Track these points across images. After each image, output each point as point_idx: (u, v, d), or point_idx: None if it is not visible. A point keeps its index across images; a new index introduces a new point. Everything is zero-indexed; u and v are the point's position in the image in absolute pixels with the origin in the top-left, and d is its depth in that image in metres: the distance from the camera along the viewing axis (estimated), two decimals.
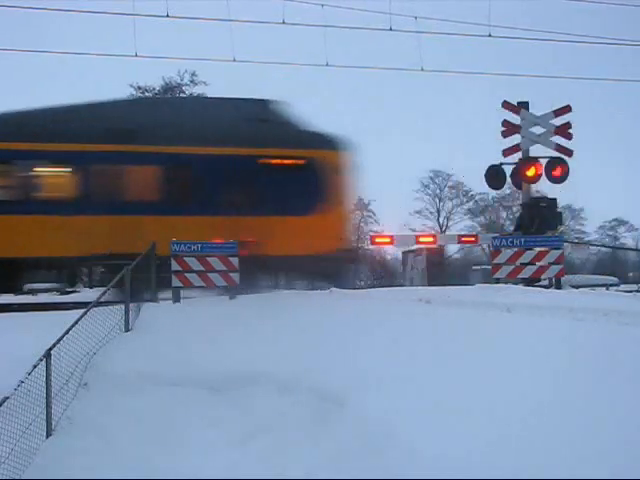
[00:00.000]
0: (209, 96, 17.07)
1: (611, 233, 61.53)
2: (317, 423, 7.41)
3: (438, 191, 58.84)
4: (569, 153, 19.11)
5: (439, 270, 26.33)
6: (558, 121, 19.19)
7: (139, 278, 11.78)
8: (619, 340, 9.20)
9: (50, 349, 7.62)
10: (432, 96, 65.15)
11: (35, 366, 7.25)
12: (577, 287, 18.27)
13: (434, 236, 26.99)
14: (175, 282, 13.48)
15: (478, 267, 34.11)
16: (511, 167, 19.49)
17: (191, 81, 41.17)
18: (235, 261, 13.65)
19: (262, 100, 16.98)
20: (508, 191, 43.94)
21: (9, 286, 15.03)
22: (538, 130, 19.34)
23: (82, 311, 9.15)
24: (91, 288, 15.67)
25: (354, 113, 76.57)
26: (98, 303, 9.74)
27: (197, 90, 41.49)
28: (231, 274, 13.71)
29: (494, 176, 19.51)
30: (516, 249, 15.94)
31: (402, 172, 66.60)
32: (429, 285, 21.09)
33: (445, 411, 6.87)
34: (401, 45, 25.79)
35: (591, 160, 39.96)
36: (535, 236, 17.10)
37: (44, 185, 15.63)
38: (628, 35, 38.62)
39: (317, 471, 6.54)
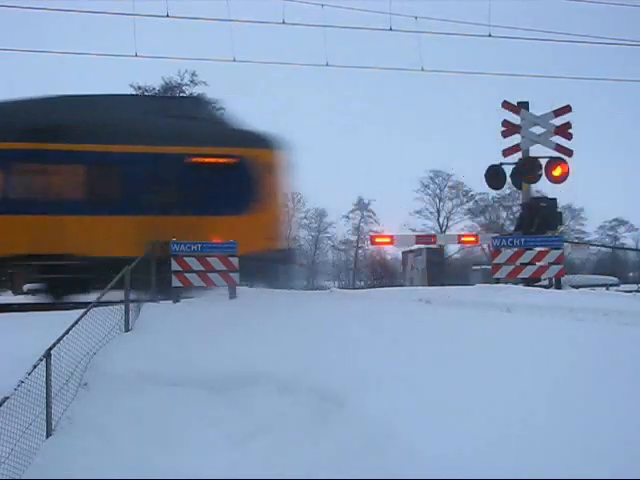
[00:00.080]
0: (140, 94, 16.45)
1: (611, 233, 61.61)
2: (317, 423, 7.41)
3: (438, 191, 58.98)
4: (569, 153, 19.11)
5: (439, 270, 26.38)
6: (558, 121, 19.18)
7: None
8: (619, 340, 9.20)
9: (50, 349, 7.61)
10: (432, 96, 65.36)
11: (35, 366, 7.24)
12: (577, 287, 18.29)
13: (476, 235, 27.10)
14: (175, 282, 13.49)
15: (478, 267, 34.16)
16: (511, 167, 19.49)
17: (191, 81, 41.25)
18: (235, 261, 13.66)
19: (193, 98, 16.55)
20: (508, 191, 43.98)
21: None
22: (538, 130, 19.34)
23: (82, 311, 9.16)
24: (15, 293, 15.35)
25: (353, 113, 76.87)
26: (98, 303, 9.74)
27: (197, 90, 41.56)
28: (231, 274, 13.73)
29: (494, 176, 19.50)
30: (516, 249, 15.93)
31: (402, 172, 66.75)
32: (429, 285, 21.15)
33: (445, 411, 6.88)
34: (401, 45, 25.81)
35: (591, 160, 39.94)
36: (535, 236, 17.10)
37: None
38: (628, 35, 38.57)
39: (317, 471, 6.54)
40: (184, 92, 41.64)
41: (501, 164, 19.44)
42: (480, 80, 27.82)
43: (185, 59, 31.53)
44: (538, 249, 16.15)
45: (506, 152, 19.37)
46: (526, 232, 18.19)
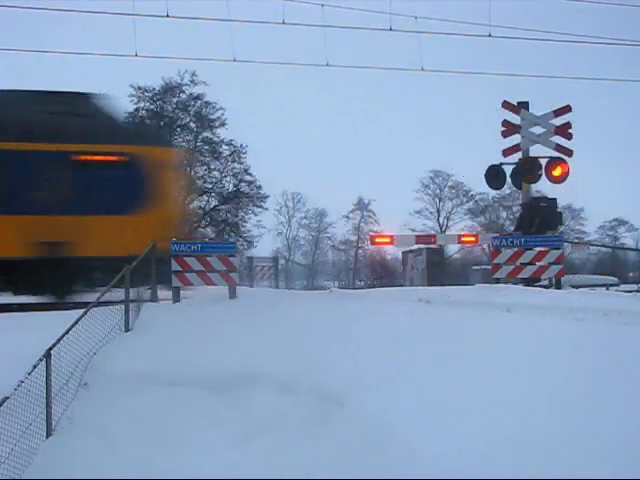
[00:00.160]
0: (23, 89, 15.71)
1: (611, 233, 61.58)
2: (317, 423, 7.41)
3: (438, 191, 58.92)
4: (569, 153, 19.13)
5: (439, 270, 26.36)
6: (558, 121, 19.20)
7: None
8: (619, 340, 9.21)
9: (50, 349, 7.61)
10: (432, 96, 65.22)
11: (35, 366, 7.24)
12: (577, 287, 18.31)
13: (476, 235, 27.08)
14: (175, 282, 13.50)
15: (478, 267, 34.12)
16: (511, 167, 19.50)
17: (191, 81, 41.18)
18: (235, 261, 13.66)
19: (81, 94, 15.63)
20: (508, 191, 43.97)
21: None
22: (538, 130, 19.36)
23: (82, 311, 9.15)
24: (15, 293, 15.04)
25: (353, 113, 76.86)
26: (98, 303, 9.74)
27: (197, 90, 41.58)
28: (231, 274, 13.74)
29: (494, 176, 19.52)
30: (516, 249, 15.95)
31: (402, 172, 66.69)
32: (429, 285, 21.13)
33: (445, 411, 6.88)
34: (401, 45, 25.82)
35: (591, 160, 39.93)
36: (535, 236, 17.11)
37: None
38: (628, 35, 38.58)
39: (317, 471, 6.54)
40: (184, 92, 41.68)
41: (501, 164, 19.45)
42: (480, 80, 27.90)
43: (185, 59, 31.51)
44: (538, 249, 16.17)
45: (506, 152, 19.39)
46: (526, 232, 18.22)
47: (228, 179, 43.30)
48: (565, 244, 19.92)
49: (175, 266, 13.46)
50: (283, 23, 17.80)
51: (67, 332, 8.28)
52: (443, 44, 26.78)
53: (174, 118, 42.24)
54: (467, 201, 58.11)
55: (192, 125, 42.58)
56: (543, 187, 21.34)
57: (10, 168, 14.49)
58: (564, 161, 19.01)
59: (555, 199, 19.57)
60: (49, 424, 7.46)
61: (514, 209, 49.00)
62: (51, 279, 14.00)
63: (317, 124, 77.18)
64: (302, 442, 7.14)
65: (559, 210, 20.17)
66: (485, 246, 38.20)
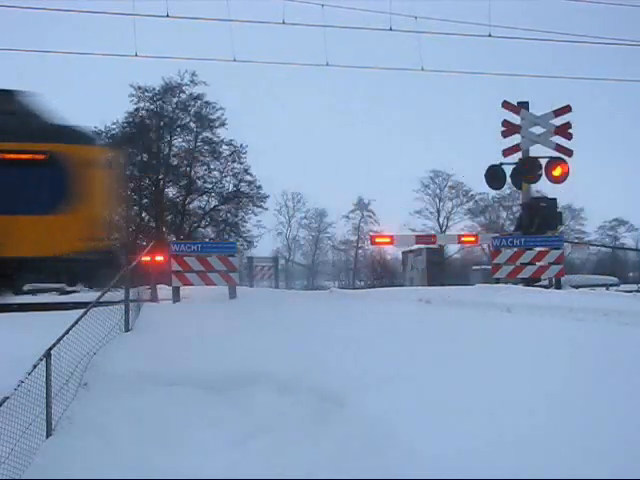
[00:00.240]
0: None
1: (611, 233, 61.59)
2: (317, 423, 7.40)
3: (438, 191, 58.94)
4: (569, 153, 19.13)
5: (439, 270, 26.37)
6: (558, 121, 19.20)
7: None
8: (619, 340, 9.21)
9: (50, 349, 7.60)
10: (432, 96, 65.24)
11: (35, 366, 7.23)
12: (577, 287, 18.32)
13: (476, 235, 27.08)
14: (175, 282, 13.52)
15: (478, 267, 34.15)
16: (511, 167, 19.50)
17: (191, 81, 41.20)
18: (235, 261, 13.68)
19: (2, 91, 15.18)
20: (508, 191, 43.99)
21: None
22: (538, 130, 19.36)
23: (82, 311, 9.15)
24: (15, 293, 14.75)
25: (353, 113, 76.85)
26: (98, 303, 9.74)
27: (197, 90, 41.57)
28: (231, 274, 13.75)
29: (494, 176, 19.54)
30: (516, 249, 15.96)
31: (402, 172, 66.69)
32: (429, 285, 21.14)
33: (445, 411, 6.87)
34: (401, 45, 25.84)
35: (591, 160, 39.96)
36: (535, 236, 17.12)
37: None
38: (628, 35, 38.55)
39: (317, 471, 6.54)
40: (184, 92, 41.67)
41: (501, 164, 19.46)
42: (480, 80, 27.94)
43: (185, 59, 31.50)
44: (538, 249, 16.19)
45: (506, 152, 19.40)
46: (526, 232, 18.23)
47: (228, 179, 43.34)
48: (565, 244, 19.94)
49: (175, 266, 13.47)
50: (283, 23, 17.82)
51: (67, 332, 8.28)
52: (443, 44, 26.84)
53: (174, 118, 42.26)
54: (467, 201, 58.15)
55: (192, 125, 42.59)
56: (543, 187, 21.38)
57: None
58: (564, 161, 19.02)
59: (555, 199, 19.58)
60: (49, 424, 7.46)
61: (514, 209, 49.04)
62: None
63: (317, 124, 77.21)
64: (302, 442, 7.14)
65: (559, 210, 20.19)
66: (485, 246, 38.22)
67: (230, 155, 42.75)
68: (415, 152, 74.20)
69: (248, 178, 42.98)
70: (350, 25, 20.78)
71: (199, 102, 41.78)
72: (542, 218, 18.66)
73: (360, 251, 61.59)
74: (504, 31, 19.37)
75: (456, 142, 69.08)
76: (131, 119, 41.66)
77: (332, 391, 7.76)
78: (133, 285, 11.26)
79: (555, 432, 6.23)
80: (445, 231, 55.59)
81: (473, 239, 26.13)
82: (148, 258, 14.64)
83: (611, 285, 25.84)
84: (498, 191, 37.62)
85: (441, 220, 58.73)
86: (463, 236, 26.82)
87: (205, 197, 43.44)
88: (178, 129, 42.59)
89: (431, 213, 58.98)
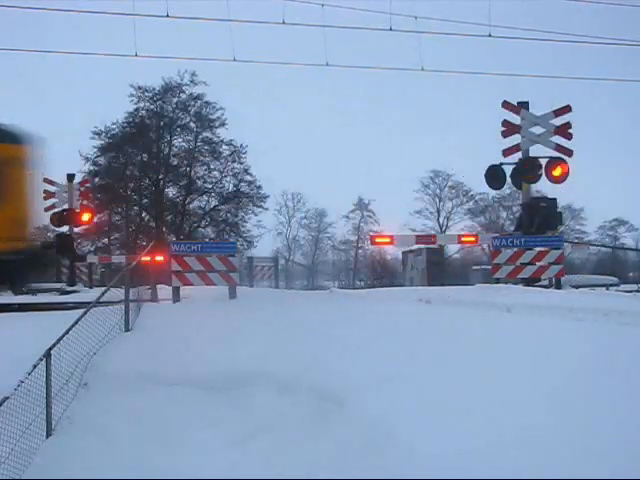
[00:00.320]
0: None
1: (611, 233, 61.61)
2: (317, 423, 7.40)
3: (438, 191, 58.96)
4: (569, 153, 19.10)
5: (439, 270, 26.41)
6: (558, 121, 19.17)
7: None
8: (619, 340, 9.20)
9: (50, 349, 7.61)
10: (432, 96, 65.25)
11: (35, 366, 7.24)
12: (577, 287, 18.30)
13: (476, 235, 27.10)
14: (175, 282, 13.51)
15: (478, 267, 34.16)
16: (511, 167, 19.48)
17: (191, 81, 41.24)
18: (235, 261, 13.67)
19: None
20: (508, 191, 43.98)
21: None
22: (538, 130, 19.32)
23: (82, 311, 9.16)
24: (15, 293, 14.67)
25: (353, 113, 76.81)
26: (98, 303, 9.74)
27: (197, 90, 41.58)
28: (231, 274, 13.75)
29: (494, 176, 19.49)
30: (516, 249, 15.96)
31: (402, 172, 66.71)
32: (429, 285, 21.17)
33: (445, 411, 6.87)
34: (401, 45, 25.86)
35: (591, 160, 39.96)
36: (535, 236, 17.11)
37: None
38: (628, 35, 38.53)
39: (317, 471, 6.54)
40: (184, 92, 41.69)
41: (501, 164, 19.42)
42: (480, 80, 27.95)
43: (185, 59, 31.52)
44: (538, 249, 16.19)
45: (506, 152, 19.36)
46: (526, 232, 18.20)
47: (228, 179, 43.40)
48: (565, 244, 19.94)
49: (175, 266, 13.47)
50: (283, 23, 17.83)
51: (67, 332, 8.28)
52: (443, 44, 26.86)
53: (174, 118, 42.30)
54: (467, 201, 58.18)
55: (192, 125, 42.64)
56: (543, 187, 21.31)
57: None
58: (564, 161, 18.98)
59: (555, 199, 19.54)
60: (49, 424, 7.46)
61: (514, 209, 49.05)
62: None
63: (317, 124, 77.22)
64: (302, 442, 7.14)
65: (559, 210, 20.14)
66: (485, 246, 38.22)
67: (230, 155, 42.80)
68: (415, 152, 74.28)
69: (248, 178, 43.05)
70: (350, 25, 20.83)
71: (199, 102, 41.84)
72: (542, 218, 18.62)
73: (360, 251, 61.65)
74: (504, 31, 19.41)
75: (456, 142, 69.12)
76: (131, 119, 41.72)
77: (332, 391, 7.76)
78: (133, 285, 11.26)
79: (555, 432, 6.23)
80: (445, 231, 55.61)
81: (473, 239, 26.09)
82: (148, 258, 14.67)
83: (611, 285, 25.79)
84: (498, 191, 37.66)
85: (441, 220, 58.80)
86: (463, 236, 26.75)
87: (205, 197, 43.49)
88: (178, 129, 42.64)
89: (431, 213, 59.05)
